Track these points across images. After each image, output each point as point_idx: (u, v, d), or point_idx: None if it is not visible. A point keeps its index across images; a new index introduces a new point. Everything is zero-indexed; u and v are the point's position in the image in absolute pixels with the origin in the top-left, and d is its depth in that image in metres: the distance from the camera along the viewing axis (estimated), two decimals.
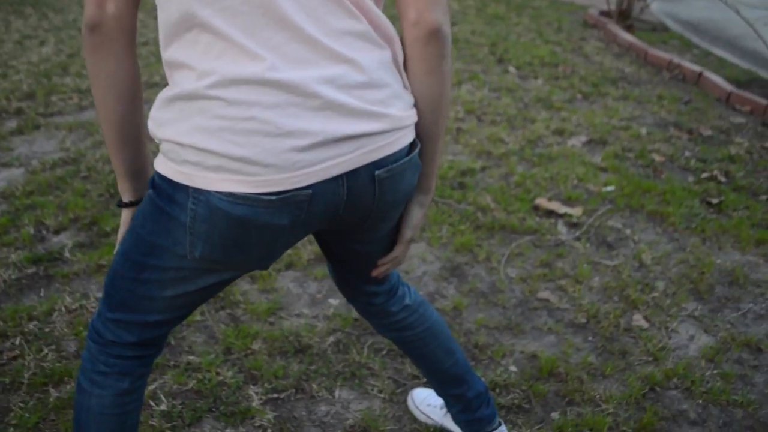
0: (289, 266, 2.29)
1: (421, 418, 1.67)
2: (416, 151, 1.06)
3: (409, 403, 1.71)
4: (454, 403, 1.49)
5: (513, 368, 1.87)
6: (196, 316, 2.01)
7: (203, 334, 1.95)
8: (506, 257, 2.40)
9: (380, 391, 1.77)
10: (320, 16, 0.91)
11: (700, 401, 1.78)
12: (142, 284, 1.03)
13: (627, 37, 5.54)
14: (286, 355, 1.87)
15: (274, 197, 0.91)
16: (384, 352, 1.90)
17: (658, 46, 5.48)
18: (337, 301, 2.12)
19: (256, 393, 1.74)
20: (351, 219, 1.05)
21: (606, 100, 4.18)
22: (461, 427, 1.53)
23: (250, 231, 0.94)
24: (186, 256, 0.98)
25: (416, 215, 1.17)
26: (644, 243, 2.55)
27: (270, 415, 1.67)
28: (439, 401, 1.65)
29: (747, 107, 4.17)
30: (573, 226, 2.66)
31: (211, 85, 0.89)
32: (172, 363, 1.82)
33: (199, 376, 1.78)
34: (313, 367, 1.83)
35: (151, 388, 1.74)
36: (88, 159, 3.08)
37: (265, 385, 1.76)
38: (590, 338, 2.01)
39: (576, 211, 2.75)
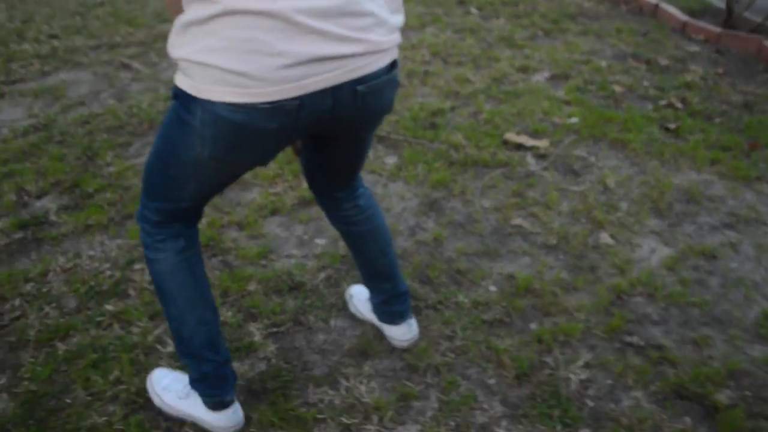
0: (275, 212, 2.39)
1: (352, 310, 1.90)
2: (396, 69, 1.26)
3: (347, 297, 1.93)
4: (377, 295, 1.74)
5: (492, 288, 2.02)
6: None
7: None
8: (480, 190, 2.54)
9: None
10: None
11: (662, 305, 1.96)
12: (170, 179, 1.28)
13: None
14: (281, 293, 1.99)
15: (267, 106, 1.11)
16: None
17: None
18: (324, 241, 2.24)
19: (257, 329, 1.86)
20: (337, 127, 1.27)
21: (566, 36, 4.29)
22: (377, 316, 1.78)
23: (247, 134, 1.15)
24: (198, 156, 1.20)
25: None
26: (608, 168, 2.70)
27: (272, 348, 1.80)
28: (365, 296, 1.86)
29: (701, 36, 4.32)
30: (541, 157, 2.79)
31: (219, 13, 1.07)
32: None
33: None
34: (308, 302, 1.96)
35: (156, 333, 1.85)
36: (60, 124, 3.10)
37: (264, 321, 1.88)
38: (561, 257, 2.17)
39: (543, 143, 2.88)
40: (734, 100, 3.37)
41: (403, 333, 1.76)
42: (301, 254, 2.17)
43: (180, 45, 1.14)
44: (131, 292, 1.99)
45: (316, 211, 2.40)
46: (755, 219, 2.38)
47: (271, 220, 2.35)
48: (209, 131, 1.15)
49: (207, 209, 2.39)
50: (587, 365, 1.74)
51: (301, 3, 1.08)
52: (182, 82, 1.16)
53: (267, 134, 1.16)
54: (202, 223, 2.29)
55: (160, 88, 3.41)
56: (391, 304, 1.73)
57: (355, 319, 1.90)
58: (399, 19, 1.25)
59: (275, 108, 1.12)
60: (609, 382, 1.69)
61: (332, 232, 2.28)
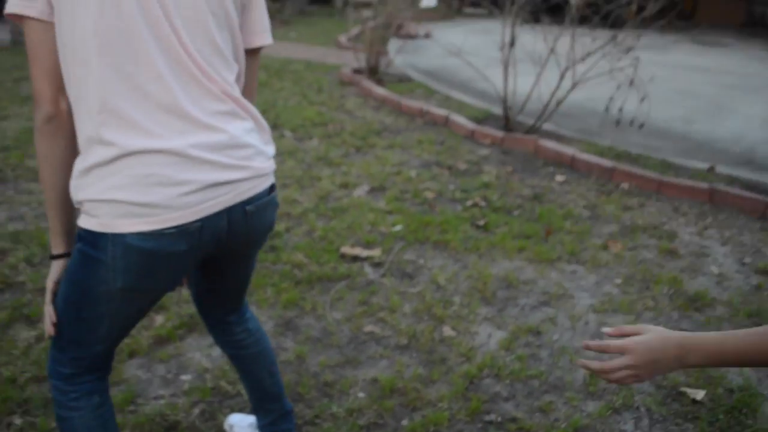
0: (132, 355, 2.37)
1: None
2: (274, 193, 1.46)
3: (227, 428, 2.00)
4: (265, 416, 1.85)
5: (361, 394, 2.18)
6: (52, 423, 2.03)
7: None
8: (329, 303, 2.72)
9: None
10: (199, 102, 1.29)
11: (508, 381, 2.25)
12: (83, 322, 1.35)
13: (380, 91, 6.25)
14: None
15: (173, 230, 1.26)
16: (248, 410, 2.10)
17: (407, 95, 6.27)
18: (189, 376, 2.26)
19: None
20: (232, 245, 1.42)
21: (375, 151, 4.74)
22: None
23: (159, 259, 1.27)
24: (111, 290, 1.29)
25: None
26: (436, 268, 3.03)
27: None
28: (246, 422, 1.97)
29: (488, 140, 5.00)
30: (377, 265, 3.06)
31: (119, 155, 1.21)
32: None
33: None
34: None
35: None
36: None
37: None
38: (414, 354, 2.40)
39: (376, 252, 3.16)
40: (525, 194, 3.95)
41: None
42: (169, 393, 2.18)
43: (83, 187, 1.25)
44: None
45: (175, 347, 2.42)
46: (563, 294, 2.81)
47: (129, 364, 2.33)
48: (121, 263, 1.25)
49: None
50: None
51: (193, 140, 1.26)
52: (87, 222, 1.26)
53: (177, 257, 1.29)
54: None
55: None
56: (278, 423, 1.83)
57: None
58: (271, 149, 1.46)
59: (181, 231, 1.26)
60: None
61: (196, 366, 2.31)
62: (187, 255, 1.31)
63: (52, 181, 1.31)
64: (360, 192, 3.95)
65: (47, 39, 1.22)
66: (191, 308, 2.65)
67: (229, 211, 1.34)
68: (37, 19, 1.20)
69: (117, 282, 1.28)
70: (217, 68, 1.32)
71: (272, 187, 1.46)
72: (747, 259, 3.22)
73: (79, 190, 1.26)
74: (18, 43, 9.64)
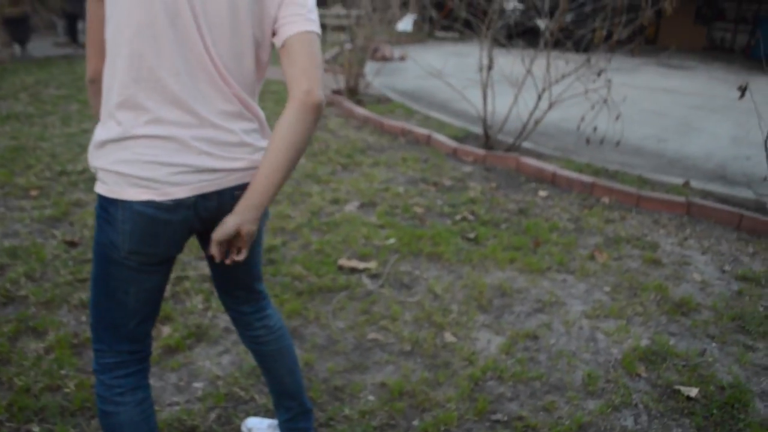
0: None
1: None
2: None
3: (244, 429, 2.07)
4: (284, 413, 1.92)
5: (371, 398, 2.25)
6: (71, 430, 2.06)
7: None
8: (332, 313, 2.80)
9: None
10: (209, 100, 1.41)
11: (510, 383, 2.34)
12: (111, 296, 1.46)
13: (362, 111, 6.38)
14: None
15: (171, 202, 1.40)
16: (262, 414, 2.16)
17: (388, 115, 6.39)
18: (202, 384, 2.31)
19: None
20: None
21: (362, 168, 4.84)
22: None
23: (158, 224, 1.41)
24: (121, 253, 1.42)
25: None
26: (432, 278, 3.13)
27: None
28: (265, 424, 2.04)
29: (470, 158, 5.14)
30: (374, 276, 3.15)
31: (131, 136, 1.37)
32: None
33: None
34: None
35: None
36: None
37: None
38: (419, 359, 2.48)
39: (372, 265, 3.25)
40: (511, 208, 4.08)
41: None
42: (184, 400, 2.23)
43: (98, 156, 1.41)
44: None
45: (184, 356, 2.46)
46: (556, 302, 2.93)
47: None
48: (128, 226, 1.39)
49: (77, 373, 2.33)
50: None
51: (197, 133, 1.40)
52: (100, 188, 1.42)
53: (174, 225, 1.43)
54: (71, 388, 2.24)
55: None
56: (297, 421, 1.89)
57: None
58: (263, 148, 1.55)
59: (177, 204, 1.41)
60: None
61: (207, 374, 2.36)
62: (183, 225, 1.44)
63: (96, 113, 1.52)
64: (351, 207, 4.03)
65: (97, 15, 1.42)
66: (197, 318, 2.70)
67: (220, 194, 1.47)
68: None
69: (126, 244, 1.41)
70: (232, 71, 1.43)
71: None
72: (727, 267, 3.39)
73: (95, 158, 1.41)
74: None
